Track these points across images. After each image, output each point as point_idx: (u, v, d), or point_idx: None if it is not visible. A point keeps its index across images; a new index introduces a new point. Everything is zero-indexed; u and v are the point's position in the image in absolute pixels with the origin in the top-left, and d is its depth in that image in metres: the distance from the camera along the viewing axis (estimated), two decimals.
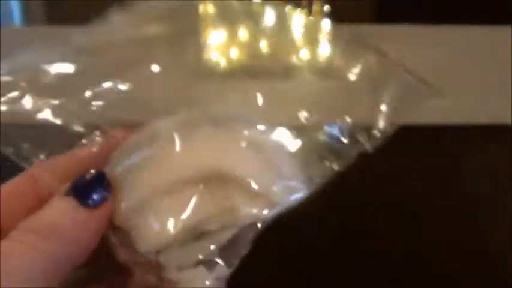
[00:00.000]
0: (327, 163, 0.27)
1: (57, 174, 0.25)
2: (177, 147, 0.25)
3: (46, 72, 0.27)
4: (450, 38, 0.78)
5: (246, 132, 0.26)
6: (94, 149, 0.26)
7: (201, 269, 0.25)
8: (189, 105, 0.28)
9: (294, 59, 0.31)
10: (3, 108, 0.26)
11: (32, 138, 0.26)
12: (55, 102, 0.27)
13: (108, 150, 0.26)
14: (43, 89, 0.27)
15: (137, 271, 0.25)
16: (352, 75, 0.29)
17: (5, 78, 0.27)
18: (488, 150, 0.61)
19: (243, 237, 0.25)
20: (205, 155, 0.25)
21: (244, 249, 0.25)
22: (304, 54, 0.32)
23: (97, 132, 0.27)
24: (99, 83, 0.28)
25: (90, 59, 0.28)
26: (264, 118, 0.27)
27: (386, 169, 0.55)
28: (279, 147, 0.26)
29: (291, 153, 0.27)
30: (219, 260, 0.25)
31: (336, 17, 0.68)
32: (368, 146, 0.27)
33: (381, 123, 0.27)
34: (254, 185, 0.25)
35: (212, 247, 0.25)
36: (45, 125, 0.26)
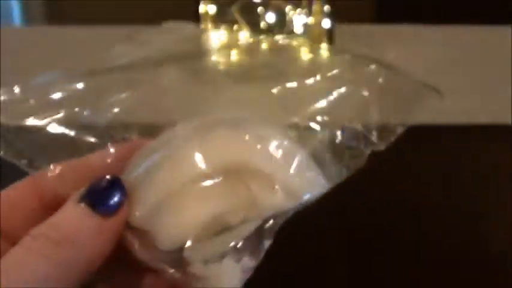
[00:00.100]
0: (343, 162, 0.27)
1: (67, 179, 0.25)
2: (195, 145, 0.25)
3: (55, 89, 0.27)
4: (450, 38, 0.78)
5: (262, 131, 0.26)
6: (109, 156, 0.26)
7: (228, 262, 0.25)
8: (190, 106, 0.28)
9: (294, 59, 0.31)
10: (12, 122, 0.26)
11: (34, 143, 0.26)
12: (65, 113, 0.27)
13: (123, 158, 0.26)
14: (52, 103, 0.27)
15: (160, 270, 0.24)
16: (353, 75, 0.29)
17: (12, 95, 0.27)
18: (488, 150, 0.61)
19: (266, 230, 0.25)
20: (223, 150, 0.25)
21: (268, 242, 0.25)
22: (305, 54, 0.32)
23: (109, 143, 0.26)
24: (106, 95, 0.27)
25: (97, 77, 0.28)
26: (265, 119, 0.27)
27: (386, 169, 0.55)
28: (297, 146, 0.26)
29: (307, 153, 0.27)
30: (244, 253, 0.25)
31: (336, 17, 0.68)
32: (381, 145, 0.27)
33: (391, 123, 0.27)
34: (276, 176, 0.25)
35: (236, 240, 0.24)
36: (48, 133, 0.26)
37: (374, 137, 0.27)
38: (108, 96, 0.27)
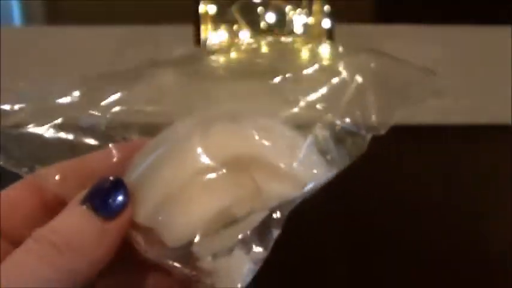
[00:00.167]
0: (344, 149, 0.27)
1: (68, 180, 0.25)
2: (196, 140, 0.24)
3: (53, 96, 0.27)
4: (450, 38, 0.78)
5: (263, 122, 0.26)
6: (110, 156, 0.26)
7: (237, 254, 0.24)
8: (189, 103, 0.28)
9: (294, 59, 0.31)
10: (11, 130, 0.26)
11: (34, 150, 0.26)
12: (64, 118, 0.26)
13: (125, 157, 0.26)
14: (51, 108, 0.27)
15: (168, 267, 0.24)
16: (353, 74, 0.29)
17: (10, 103, 0.27)
18: (488, 150, 0.61)
19: (274, 220, 0.25)
20: (225, 143, 0.25)
21: (276, 232, 0.25)
22: (305, 54, 0.32)
23: (110, 144, 0.26)
24: (104, 95, 0.27)
25: (94, 84, 0.28)
26: (263, 111, 0.27)
27: (386, 169, 0.55)
28: (299, 135, 0.26)
29: (311, 142, 0.26)
30: (253, 244, 0.25)
31: (336, 17, 0.68)
32: (381, 129, 0.27)
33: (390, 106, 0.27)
34: (279, 165, 0.25)
35: (244, 232, 0.24)
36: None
37: (374, 122, 0.27)
38: (106, 97, 0.27)
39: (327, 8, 0.67)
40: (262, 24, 0.65)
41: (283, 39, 0.32)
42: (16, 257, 0.22)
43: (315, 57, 0.31)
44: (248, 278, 0.24)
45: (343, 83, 0.28)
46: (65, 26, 0.83)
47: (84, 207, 0.23)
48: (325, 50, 0.32)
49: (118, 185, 0.24)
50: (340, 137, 0.27)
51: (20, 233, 0.24)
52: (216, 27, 0.65)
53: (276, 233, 0.25)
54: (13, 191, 0.26)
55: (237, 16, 0.62)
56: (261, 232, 0.25)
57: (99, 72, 0.28)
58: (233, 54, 0.30)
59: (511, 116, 0.64)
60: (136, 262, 0.25)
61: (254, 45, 0.30)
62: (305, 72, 0.29)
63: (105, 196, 0.23)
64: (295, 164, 0.25)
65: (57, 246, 0.22)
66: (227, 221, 0.24)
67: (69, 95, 0.27)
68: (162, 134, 0.26)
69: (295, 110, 0.27)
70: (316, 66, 0.29)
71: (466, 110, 0.66)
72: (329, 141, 0.27)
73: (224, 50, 0.30)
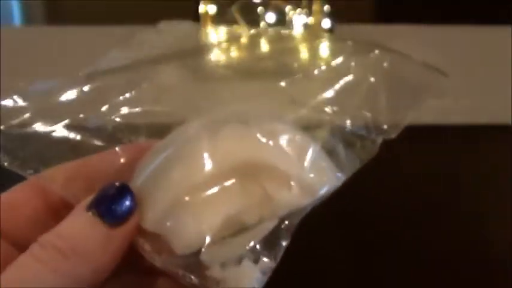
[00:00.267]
0: (355, 152, 0.26)
1: (74, 181, 0.24)
2: (205, 144, 0.24)
3: (56, 95, 0.27)
4: (450, 38, 0.78)
5: (275, 127, 0.25)
6: (117, 158, 0.25)
7: (246, 264, 0.24)
8: (196, 104, 0.28)
9: (294, 58, 0.31)
10: (15, 130, 0.25)
11: (39, 151, 0.25)
12: (69, 119, 0.26)
13: (132, 159, 0.25)
14: (55, 109, 0.26)
15: (176, 275, 0.24)
16: (358, 62, 0.28)
17: (13, 104, 0.26)
18: (488, 150, 0.61)
19: (284, 229, 0.25)
20: (235, 148, 0.24)
21: (285, 241, 0.25)
22: (305, 54, 0.32)
23: (117, 147, 0.26)
24: (109, 97, 0.27)
25: (98, 80, 0.28)
26: (273, 112, 0.27)
27: (386, 169, 0.55)
28: (309, 140, 0.26)
29: (320, 146, 0.26)
30: (262, 254, 0.24)
31: (336, 17, 0.68)
32: (392, 133, 0.27)
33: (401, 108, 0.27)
34: (290, 173, 0.24)
35: (254, 241, 0.24)
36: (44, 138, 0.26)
37: (384, 125, 0.27)
38: (111, 99, 0.27)
39: (327, 8, 0.67)
40: (262, 24, 0.65)
41: (284, 32, 0.31)
42: (21, 262, 0.22)
43: (321, 56, 0.31)
44: None
45: (354, 84, 0.28)
46: (65, 26, 0.83)
47: (90, 213, 0.22)
48: (331, 47, 0.32)
49: (124, 191, 0.23)
50: (349, 140, 0.27)
51: (23, 235, 0.24)
52: (216, 27, 0.65)
53: (285, 242, 0.25)
54: (16, 192, 0.26)
55: (237, 16, 0.62)
56: (270, 241, 0.24)
57: (102, 70, 0.28)
58: (234, 51, 0.30)
59: (511, 116, 0.64)
60: (142, 267, 0.25)
61: (254, 39, 0.30)
62: (314, 72, 0.29)
63: (111, 202, 0.23)
64: (306, 172, 0.25)
65: (63, 252, 0.22)
66: (236, 229, 0.24)
67: (73, 94, 0.27)
68: (170, 137, 0.26)
69: (303, 111, 0.27)
70: (324, 66, 0.29)
71: (466, 110, 0.66)
72: (338, 146, 0.27)
73: (225, 42, 0.30)
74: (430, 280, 0.47)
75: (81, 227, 0.22)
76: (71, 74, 0.27)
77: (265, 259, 0.24)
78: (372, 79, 0.28)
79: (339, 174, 0.26)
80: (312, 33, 0.64)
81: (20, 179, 0.25)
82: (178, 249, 0.23)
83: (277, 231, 0.24)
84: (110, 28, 0.77)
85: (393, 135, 0.27)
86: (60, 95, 0.27)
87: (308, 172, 0.25)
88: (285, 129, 0.25)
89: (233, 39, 0.32)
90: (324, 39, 0.33)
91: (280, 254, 0.25)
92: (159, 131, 0.26)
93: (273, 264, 0.24)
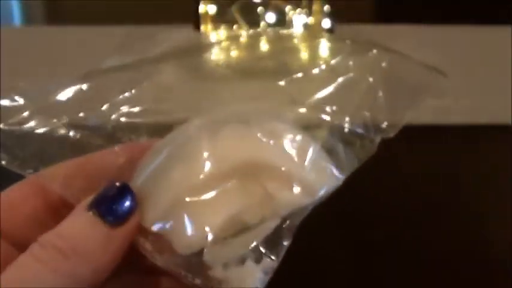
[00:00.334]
0: (354, 152, 0.26)
1: (74, 180, 0.24)
2: (206, 143, 0.24)
3: (55, 93, 0.27)
4: (450, 38, 0.78)
5: (275, 126, 0.25)
6: (117, 157, 0.25)
7: (249, 264, 0.24)
8: (196, 104, 0.28)
9: (294, 58, 0.31)
10: (15, 129, 0.25)
11: (38, 151, 0.25)
12: (69, 118, 0.26)
13: (132, 158, 0.25)
14: (55, 108, 0.26)
15: (178, 275, 0.24)
16: (356, 61, 0.28)
17: (12, 102, 0.26)
18: (488, 150, 0.61)
19: (285, 229, 0.25)
20: (236, 148, 0.24)
21: (287, 241, 0.25)
22: (305, 54, 0.32)
23: (117, 146, 0.26)
24: (108, 96, 0.27)
25: (98, 79, 0.27)
26: (273, 111, 0.27)
27: (386, 169, 0.55)
28: (309, 139, 0.26)
29: (319, 146, 0.26)
30: (264, 254, 0.24)
31: (336, 17, 0.68)
32: (390, 131, 0.27)
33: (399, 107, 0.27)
34: (290, 173, 0.24)
35: (256, 240, 0.24)
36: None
37: (383, 123, 0.27)
38: (111, 98, 0.27)
39: (327, 8, 0.67)
40: (262, 24, 0.65)
41: (284, 32, 0.31)
42: (21, 262, 0.22)
43: (321, 56, 0.31)
44: None
45: (352, 83, 0.28)
46: (65, 26, 0.83)
47: (91, 213, 0.22)
48: (331, 47, 0.32)
49: (125, 191, 0.23)
50: (348, 139, 0.27)
51: (22, 234, 0.24)
52: (216, 27, 0.65)
53: (287, 242, 0.25)
54: (14, 191, 0.26)
55: (237, 16, 0.62)
56: (272, 241, 0.24)
57: (101, 68, 0.28)
58: (234, 50, 0.30)
59: (511, 116, 0.64)
60: (143, 266, 0.25)
61: (254, 39, 0.30)
62: (313, 71, 0.29)
63: (111, 202, 0.23)
64: (307, 171, 0.25)
65: (63, 252, 0.21)
66: (238, 229, 0.24)
67: (73, 93, 0.27)
68: (170, 136, 0.26)
69: (303, 111, 0.27)
70: (323, 65, 0.29)
71: (466, 110, 0.66)
72: (338, 145, 0.27)
73: (225, 41, 0.30)
74: (430, 280, 0.47)
75: (81, 226, 0.22)
76: (71, 74, 0.27)
77: (267, 259, 0.24)
78: (371, 79, 0.28)
79: (339, 174, 0.26)
80: (312, 33, 0.64)
81: (18, 178, 0.25)
82: (180, 249, 0.23)
83: (278, 230, 0.25)
84: (109, 28, 0.77)
85: (391, 134, 0.27)
86: (60, 94, 0.27)
87: (309, 172, 0.25)
88: (285, 129, 0.25)
89: (233, 39, 0.32)
90: (323, 39, 0.33)
91: (282, 253, 0.25)
92: (159, 130, 0.26)
93: (275, 264, 0.24)
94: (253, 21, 0.64)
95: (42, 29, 0.94)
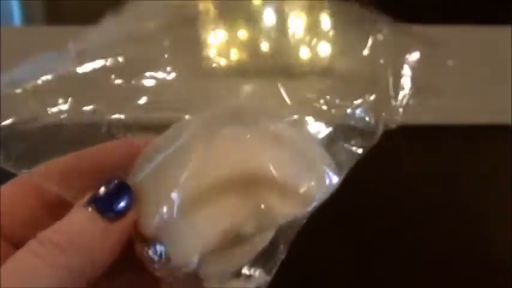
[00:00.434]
0: (354, 146, 0.26)
1: (68, 177, 0.24)
2: (203, 149, 0.24)
3: (48, 79, 0.27)
4: (450, 38, 0.78)
5: (273, 127, 0.25)
6: (111, 151, 0.25)
7: (243, 276, 0.24)
8: (191, 106, 0.28)
9: (294, 58, 0.31)
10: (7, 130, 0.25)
11: (33, 149, 0.25)
12: (63, 115, 0.26)
13: (127, 154, 0.25)
14: (46, 93, 0.26)
15: (176, 284, 0.24)
16: (353, 73, 0.29)
17: (8, 91, 0.26)
18: (488, 150, 0.61)
19: (280, 241, 0.25)
20: (233, 157, 0.24)
21: (282, 254, 0.24)
22: (304, 53, 0.32)
23: (111, 142, 0.26)
24: (103, 86, 0.27)
25: (90, 63, 0.27)
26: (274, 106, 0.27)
27: (385, 169, 0.55)
28: (308, 138, 0.25)
29: (319, 142, 0.25)
30: (259, 267, 0.24)
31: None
32: (391, 123, 0.27)
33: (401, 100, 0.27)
34: (287, 183, 0.24)
35: (251, 253, 0.24)
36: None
37: (384, 116, 0.27)
38: (106, 94, 0.27)
39: (327, 7, 0.67)
40: (262, 24, 0.65)
41: (284, 32, 0.31)
42: (18, 257, 0.22)
43: (321, 53, 0.31)
44: None
45: (353, 76, 0.28)
46: (65, 26, 0.83)
47: (89, 209, 0.23)
48: (327, 49, 0.32)
49: (122, 187, 0.24)
50: (349, 132, 0.26)
51: (20, 233, 0.24)
52: (216, 27, 0.65)
53: (282, 255, 0.24)
54: (9, 190, 0.25)
55: (237, 16, 0.62)
56: (266, 254, 0.24)
57: (94, 46, 0.27)
58: (233, 53, 0.30)
59: (511, 116, 0.64)
60: (140, 263, 0.25)
61: (253, 45, 0.30)
62: (313, 70, 0.28)
63: (109, 198, 0.23)
64: (304, 180, 0.24)
65: (60, 246, 0.22)
66: (234, 240, 0.23)
67: (66, 87, 0.27)
68: (167, 135, 0.25)
69: (303, 110, 0.27)
70: (315, 67, 0.29)
71: (466, 110, 0.66)
72: (338, 140, 0.26)
73: (225, 41, 0.30)
74: (430, 280, 0.47)
75: (79, 222, 0.23)
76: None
77: (261, 272, 0.24)
78: (382, 61, 0.28)
79: (337, 178, 0.25)
80: (312, 32, 0.64)
81: (11, 176, 0.25)
82: (175, 259, 0.23)
83: (273, 243, 0.24)
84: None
85: (393, 125, 0.27)
86: (52, 79, 0.27)
87: (307, 180, 0.24)
88: (285, 130, 0.25)
89: (233, 39, 0.32)
90: (321, 37, 0.33)
91: (276, 267, 0.24)
92: (156, 127, 0.26)
93: (269, 278, 0.24)
94: (253, 21, 0.64)
95: (42, 29, 0.93)
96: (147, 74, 0.28)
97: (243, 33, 0.34)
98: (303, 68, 0.29)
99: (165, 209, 0.23)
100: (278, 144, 0.24)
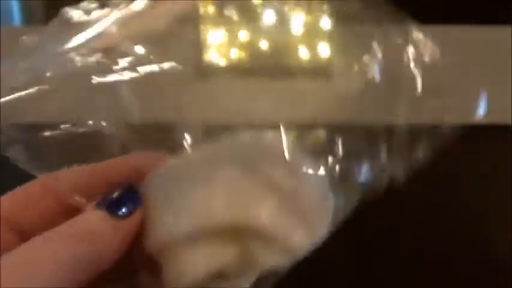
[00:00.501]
0: (355, 189, 0.27)
1: (82, 186, 0.26)
2: (203, 190, 0.25)
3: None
4: (450, 38, 0.78)
5: (271, 175, 0.26)
6: (123, 165, 0.27)
7: None
8: (191, 106, 0.28)
9: (294, 58, 0.31)
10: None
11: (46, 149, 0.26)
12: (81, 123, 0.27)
13: (138, 169, 0.27)
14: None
15: None
16: (352, 74, 0.29)
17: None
18: (488, 150, 0.61)
19: (263, 284, 0.26)
20: (229, 205, 0.25)
21: None
22: (304, 53, 0.32)
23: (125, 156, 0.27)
24: (98, 82, 0.28)
25: (83, 57, 0.28)
26: (265, 118, 0.27)
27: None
28: (307, 187, 0.26)
29: (320, 186, 0.27)
30: None
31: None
32: (401, 175, 0.27)
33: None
34: (275, 234, 0.25)
35: None
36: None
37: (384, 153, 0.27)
38: (105, 97, 0.27)
39: (326, 8, 0.67)
40: (262, 24, 0.65)
41: (284, 32, 0.32)
42: (24, 247, 0.23)
43: (321, 55, 0.31)
44: None
45: (341, 89, 0.28)
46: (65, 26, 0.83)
47: (100, 209, 0.25)
48: (327, 49, 0.32)
49: (131, 190, 0.26)
50: (342, 184, 0.27)
51: (37, 232, 0.25)
52: (215, 27, 0.65)
53: None
54: (29, 189, 0.27)
55: (237, 16, 0.62)
56: None
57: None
58: (233, 53, 0.30)
59: (511, 116, 0.64)
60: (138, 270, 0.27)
61: (253, 45, 0.30)
62: (313, 70, 0.29)
63: (118, 200, 0.25)
64: (293, 236, 0.25)
65: (68, 236, 0.23)
66: (218, 276, 0.25)
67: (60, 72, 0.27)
68: (176, 163, 0.27)
69: (302, 110, 0.27)
70: (315, 67, 0.29)
71: (466, 110, 0.66)
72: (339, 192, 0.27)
73: (224, 49, 0.30)
74: (430, 280, 0.47)
75: (89, 218, 0.25)
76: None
77: None
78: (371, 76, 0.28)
79: (326, 230, 0.27)
80: (312, 33, 0.64)
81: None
82: (167, 283, 0.25)
83: (256, 285, 0.26)
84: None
85: (402, 178, 0.28)
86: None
87: (296, 234, 0.25)
88: (283, 178, 0.26)
89: (233, 39, 0.32)
90: (321, 38, 0.33)
91: None
92: (155, 127, 0.27)
93: None
94: (253, 21, 0.64)
95: (42, 29, 0.93)
96: (148, 74, 0.28)
97: (243, 33, 0.34)
98: (302, 68, 0.29)
99: (161, 237, 0.25)
100: (274, 194, 0.25)
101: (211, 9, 0.67)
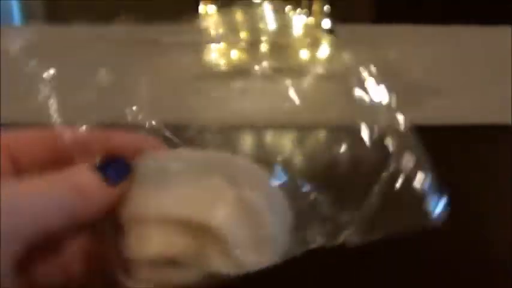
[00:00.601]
0: (320, 233, 0.28)
1: (80, 145, 0.28)
2: (177, 187, 0.28)
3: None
4: (450, 38, 0.78)
5: (246, 195, 0.28)
6: (122, 139, 0.29)
7: None
8: (191, 106, 0.28)
9: (294, 59, 0.31)
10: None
11: None
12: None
13: (135, 149, 0.29)
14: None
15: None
16: (352, 74, 0.29)
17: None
18: (488, 150, 0.61)
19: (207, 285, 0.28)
20: (193, 204, 0.28)
21: None
22: (305, 54, 0.32)
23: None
24: (98, 81, 0.29)
25: (82, 57, 0.29)
26: (265, 118, 0.27)
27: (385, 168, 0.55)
28: (278, 214, 0.29)
29: (287, 213, 0.29)
30: None
31: (336, 17, 0.68)
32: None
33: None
34: (234, 249, 0.27)
35: (183, 278, 0.27)
36: None
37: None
38: (107, 96, 0.28)
39: (327, 8, 0.67)
40: (262, 24, 0.65)
41: (284, 32, 0.32)
42: (30, 178, 0.26)
43: (320, 55, 0.31)
44: None
45: (340, 89, 0.29)
46: (65, 26, 0.83)
47: (95, 172, 0.27)
48: (326, 50, 0.32)
49: (126, 164, 0.28)
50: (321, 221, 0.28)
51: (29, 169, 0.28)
52: (216, 27, 0.65)
53: None
54: (32, 131, 0.29)
55: (237, 16, 0.62)
56: None
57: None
58: (233, 53, 0.30)
59: (511, 116, 0.64)
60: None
61: (253, 46, 0.30)
62: (313, 71, 0.29)
63: (112, 167, 0.28)
64: (249, 253, 0.28)
65: (69, 188, 0.26)
66: (169, 263, 0.27)
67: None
68: (165, 156, 0.29)
69: (302, 110, 0.28)
70: (314, 68, 0.29)
71: (466, 110, 0.66)
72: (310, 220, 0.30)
73: (225, 41, 0.31)
74: (430, 280, 0.47)
75: (85, 178, 0.27)
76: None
77: None
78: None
79: (276, 258, 0.28)
80: (312, 33, 0.64)
81: None
82: (124, 250, 0.28)
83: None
84: (110, 28, 0.77)
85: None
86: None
87: (251, 254, 0.28)
88: (255, 201, 0.28)
89: (233, 39, 0.32)
90: (322, 38, 0.33)
91: None
92: (156, 127, 0.29)
93: None
94: (253, 21, 0.64)
95: (42, 29, 0.94)
96: (147, 73, 0.28)
97: (243, 34, 0.34)
98: (302, 68, 0.29)
99: (135, 214, 0.28)
100: (243, 211, 0.28)
101: (211, 9, 0.67)
